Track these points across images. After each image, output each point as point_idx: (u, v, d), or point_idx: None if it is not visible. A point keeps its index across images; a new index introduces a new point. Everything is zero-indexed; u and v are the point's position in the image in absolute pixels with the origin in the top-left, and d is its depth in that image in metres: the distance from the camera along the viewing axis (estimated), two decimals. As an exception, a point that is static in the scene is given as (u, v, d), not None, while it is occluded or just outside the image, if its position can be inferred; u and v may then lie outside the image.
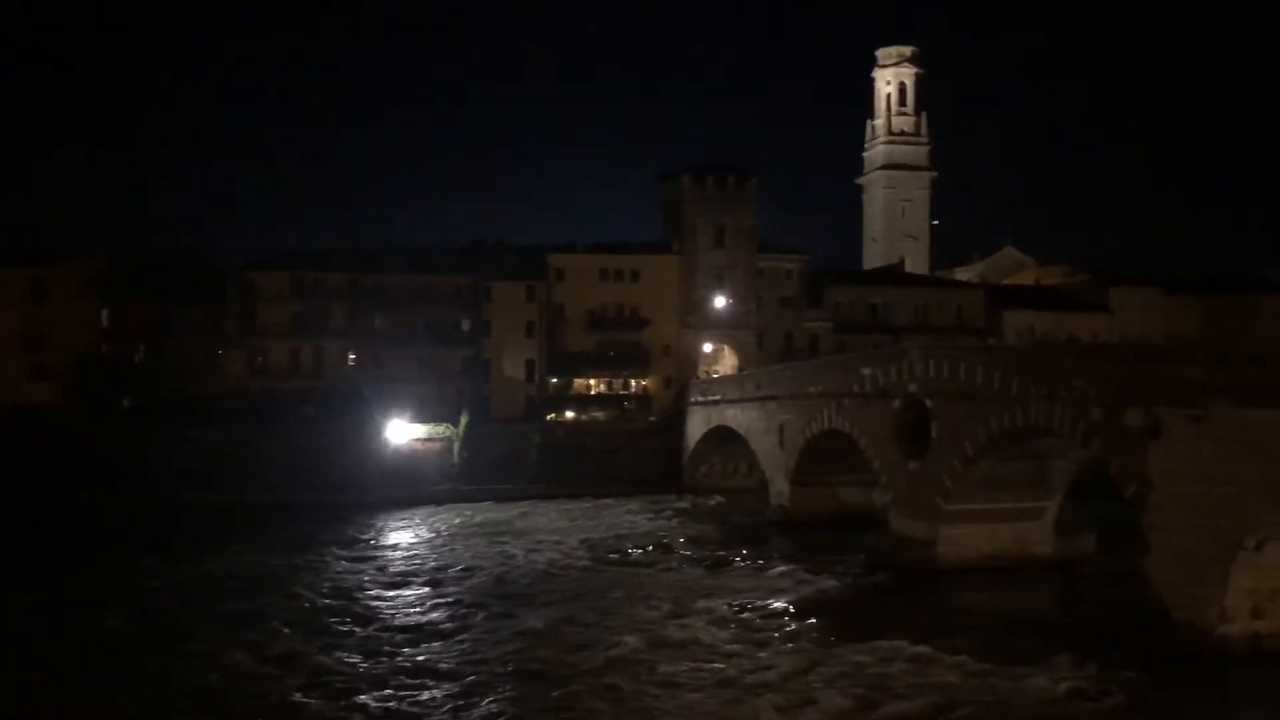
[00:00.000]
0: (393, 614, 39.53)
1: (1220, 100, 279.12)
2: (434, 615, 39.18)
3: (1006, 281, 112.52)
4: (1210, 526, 31.83)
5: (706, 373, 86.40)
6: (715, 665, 31.89)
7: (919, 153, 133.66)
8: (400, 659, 33.10)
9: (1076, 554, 47.03)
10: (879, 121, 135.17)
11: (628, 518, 64.19)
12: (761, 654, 33.21)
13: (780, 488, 62.02)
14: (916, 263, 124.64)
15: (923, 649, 32.54)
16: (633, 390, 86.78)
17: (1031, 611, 39.80)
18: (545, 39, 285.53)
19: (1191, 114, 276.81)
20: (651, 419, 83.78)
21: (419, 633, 36.53)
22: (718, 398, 74.14)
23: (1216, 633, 31.80)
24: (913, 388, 47.90)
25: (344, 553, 52.47)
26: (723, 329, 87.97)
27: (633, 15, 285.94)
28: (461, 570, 47.71)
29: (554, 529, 59.50)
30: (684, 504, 70.28)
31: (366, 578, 46.51)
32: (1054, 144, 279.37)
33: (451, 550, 53.21)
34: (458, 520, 63.14)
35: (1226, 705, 29.19)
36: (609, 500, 70.48)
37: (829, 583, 44.01)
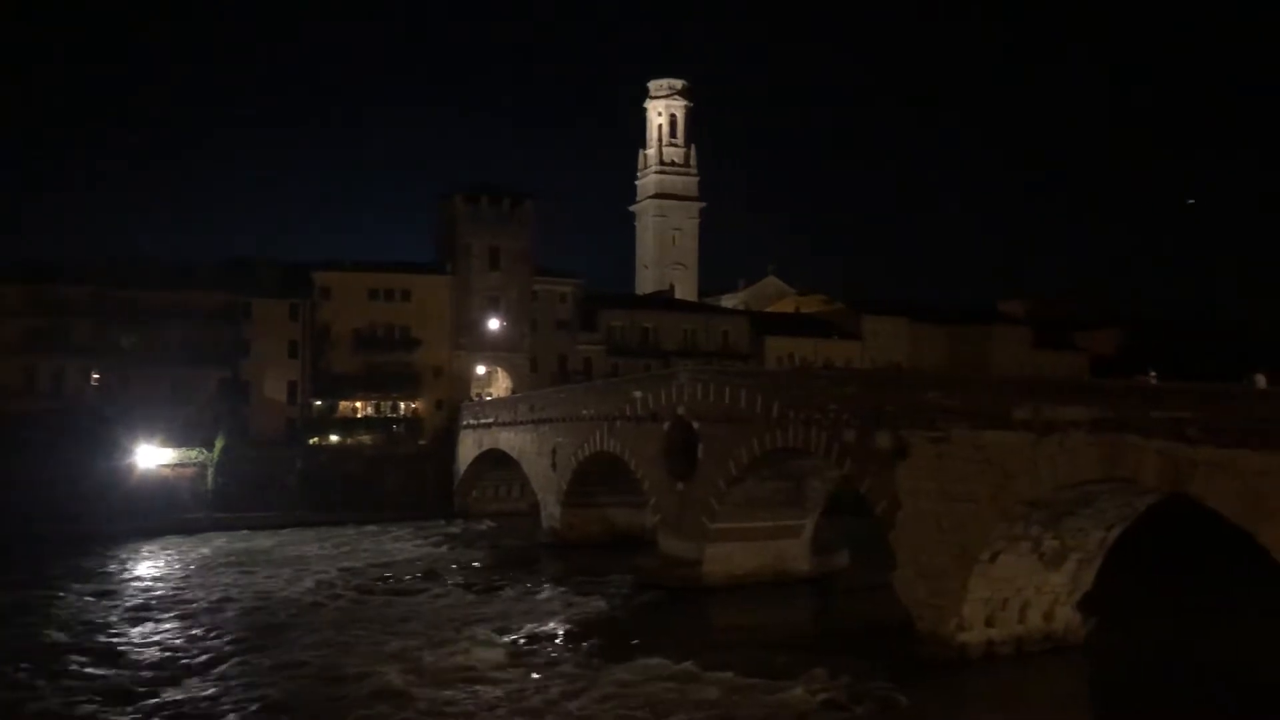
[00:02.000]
0: (138, 651, 36.86)
1: (966, 140, 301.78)
2: (184, 652, 36.78)
3: (769, 309, 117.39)
4: (950, 541, 34.05)
5: (479, 395, 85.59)
6: (482, 692, 31.40)
7: (689, 183, 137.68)
8: (146, 699, 30.87)
9: (831, 569, 49.32)
10: (651, 151, 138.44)
11: (395, 545, 62.55)
12: (530, 678, 32.98)
13: (552, 510, 62.06)
14: (686, 289, 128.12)
15: (687, 666, 33.20)
16: (402, 413, 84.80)
17: (790, 626, 41.37)
18: (325, 58, 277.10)
19: (937, 152, 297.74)
20: (421, 442, 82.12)
21: (167, 670, 34.19)
22: (490, 420, 73.56)
23: (956, 641, 34.00)
24: (681, 410, 49.04)
25: (83, 586, 48.58)
26: (496, 351, 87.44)
27: (415, 37, 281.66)
28: (214, 603, 45.09)
29: (315, 557, 57.22)
30: (454, 529, 69.19)
31: (108, 613, 43.22)
32: (815, 179, 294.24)
33: (203, 582, 50.23)
34: (210, 550, 59.72)
35: (962, 708, 31.19)
36: (375, 527, 68.51)
37: (598, 604, 44.30)
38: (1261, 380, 33.52)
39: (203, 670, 34.16)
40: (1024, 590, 34.81)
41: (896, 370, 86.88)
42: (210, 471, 71.87)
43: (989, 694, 32.18)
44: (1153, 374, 51.39)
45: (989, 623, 34.56)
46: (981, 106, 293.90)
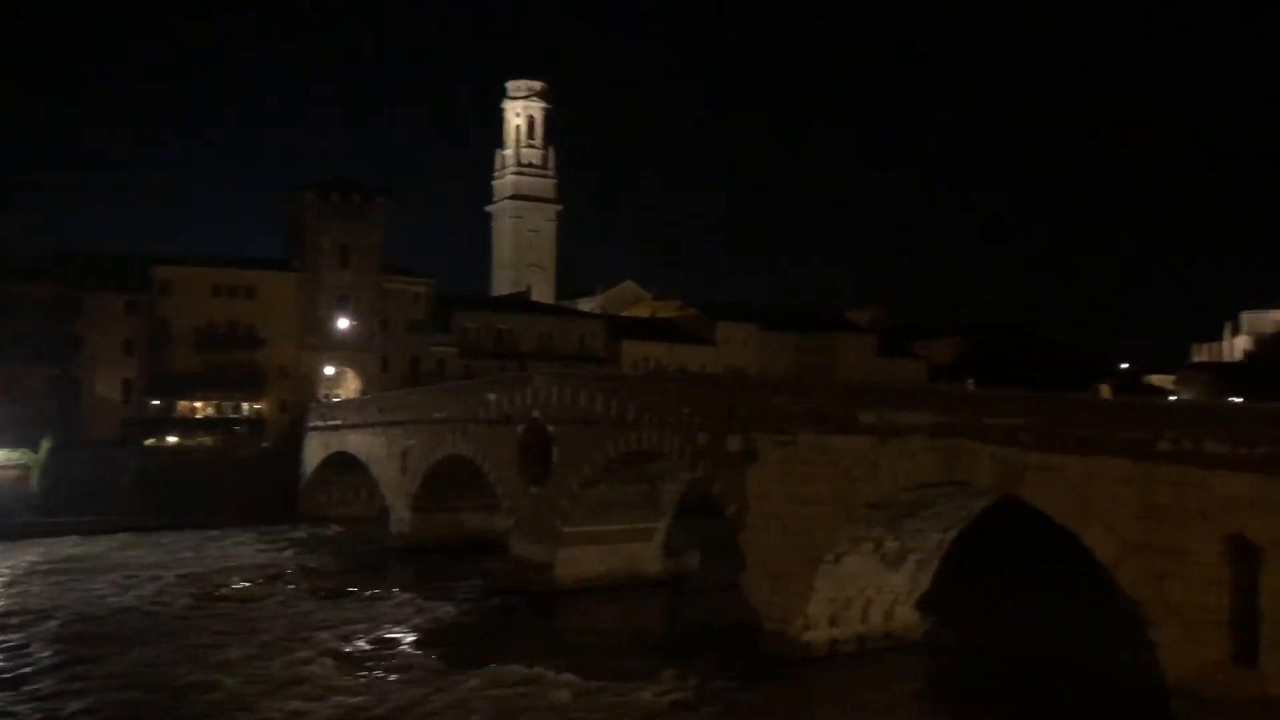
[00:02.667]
0: (-52, 666, 34.54)
1: (823, 147, 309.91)
2: (2, 664, 34.65)
3: (625, 313, 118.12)
4: (797, 543, 34.86)
5: (327, 396, 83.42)
6: (325, 700, 30.54)
7: (547, 185, 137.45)
8: (-45, 717, 28.95)
9: (683, 571, 49.87)
10: (508, 152, 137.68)
11: (236, 550, 60.32)
12: (376, 685, 32.29)
13: (402, 515, 60.94)
14: (543, 292, 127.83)
15: (538, 670, 33.05)
16: (245, 414, 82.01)
17: (640, 628, 41.65)
18: (181, 51, 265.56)
19: (791, 161, 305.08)
20: (265, 445, 79.54)
21: (-19, 685, 32.14)
22: (338, 422, 71.74)
23: (801, 640, 34.82)
24: (536, 413, 48.84)
25: (-113, 598, 45.28)
26: (346, 351, 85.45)
27: (267, 30, 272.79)
28: (38, 612, 42.55)
29: (150, 564, 54.65)
30: (300, 534, 67.13)
31: (-84, 626, 40.36)
32: (673, 185, 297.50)
33: (27, 590, 47.42)
34: (35, 556, 56.35)
35: (805, 705, 31.94)
36: (216, 532, 65.87)
37: (448, 609, 43.70)
38: (1106, 390, 35.46)
39: (24, 685, 32.22)
40: (866, 590, 35.90)
41: (747, 375, 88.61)
42: (35, 474, 67.92)
43: (830, 691, 33.06)
44: (970, 381, 53.75)
45: (833, 622, 35.51)
46: (839, 114, 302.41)
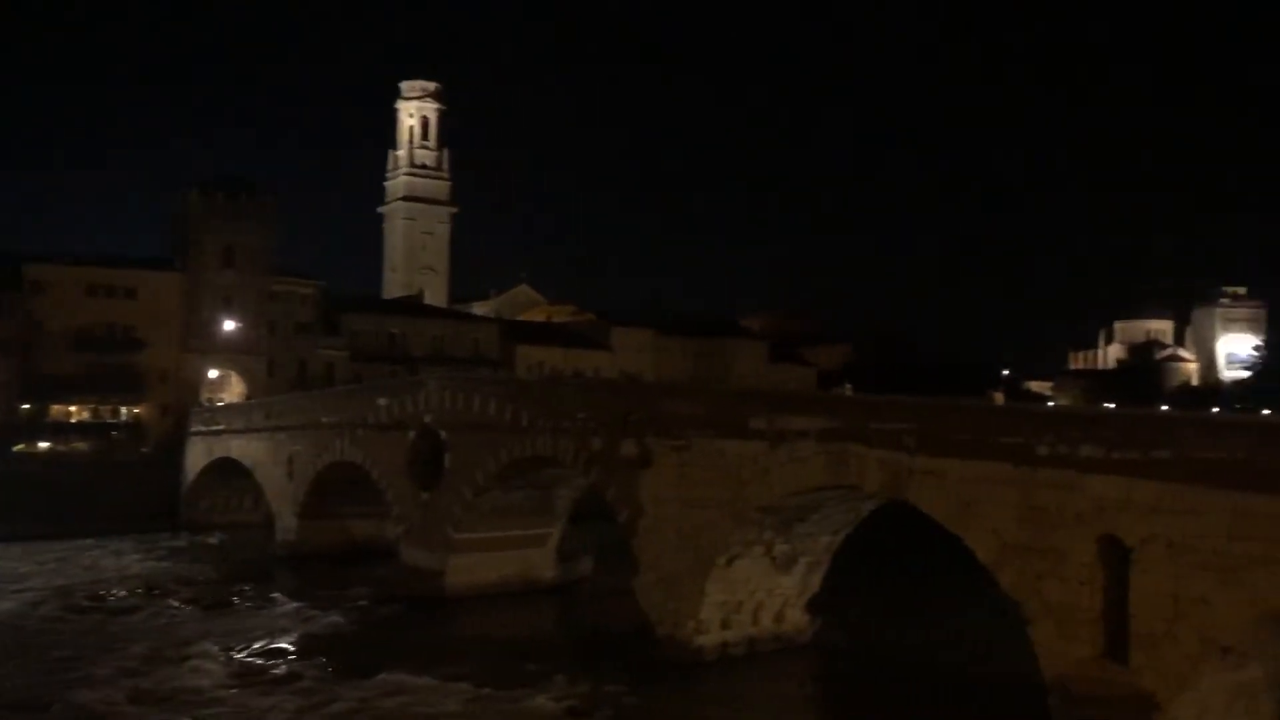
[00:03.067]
0: None
1: (717, 159, 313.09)
2: None
3: (520, 317, 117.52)
4: (690, 547, 35.08)
5: (210, 400, 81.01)
6: (207, 714, 29.65)
7: (440, 187, 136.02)
8: None
9: (576, 577, 49.74)
10: (401, 153, 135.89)
11: (113, 560, 58.03)
12: (260, 697, 31.44)
13: (288, 522, 59.47)
14: (436, 295, 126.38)
15: (427, 679, 32.60)
16: (124, 418, 79.12)
17: (532, 635, 41.38)
18: (57, 46, 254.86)
19: (690, 168, 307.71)
20: (145, 450, 76.79)
21: None
22: (222, 427, 69.69)
23: (693, 644, 35.03)
24: (428, 419, 48.18)
25: None
26: (231, 354, 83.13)
27: (154, 27, 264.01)
28: (-106, 628, 40.39)
29: (18, 575, 52.17)
30: (180, 543, 64.92)
31: None
32: (570, 191, 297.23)
33: (-119, 605, 44.92)
34: (-108, 569, 53.44)
35: (695, 707, 32.07)
36: (91, 541, 63.19)
37: (335, 618, 42.77)
38: (999, 398, 36.51)
39: (-123, 704, 30.52)
40: (757, 593, 36.31)
41: (642, 380, 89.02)
42: (-108, 481, 64.41)
43: (721, 694, 33.29)
44: (848, 386, 55.01)
45: (724, 625, 35.82)
46: (733, 120, 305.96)
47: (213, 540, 65.95)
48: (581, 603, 47.04)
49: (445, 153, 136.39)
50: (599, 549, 49.80)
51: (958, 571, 34.18)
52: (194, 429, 73.43)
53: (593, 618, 44.10)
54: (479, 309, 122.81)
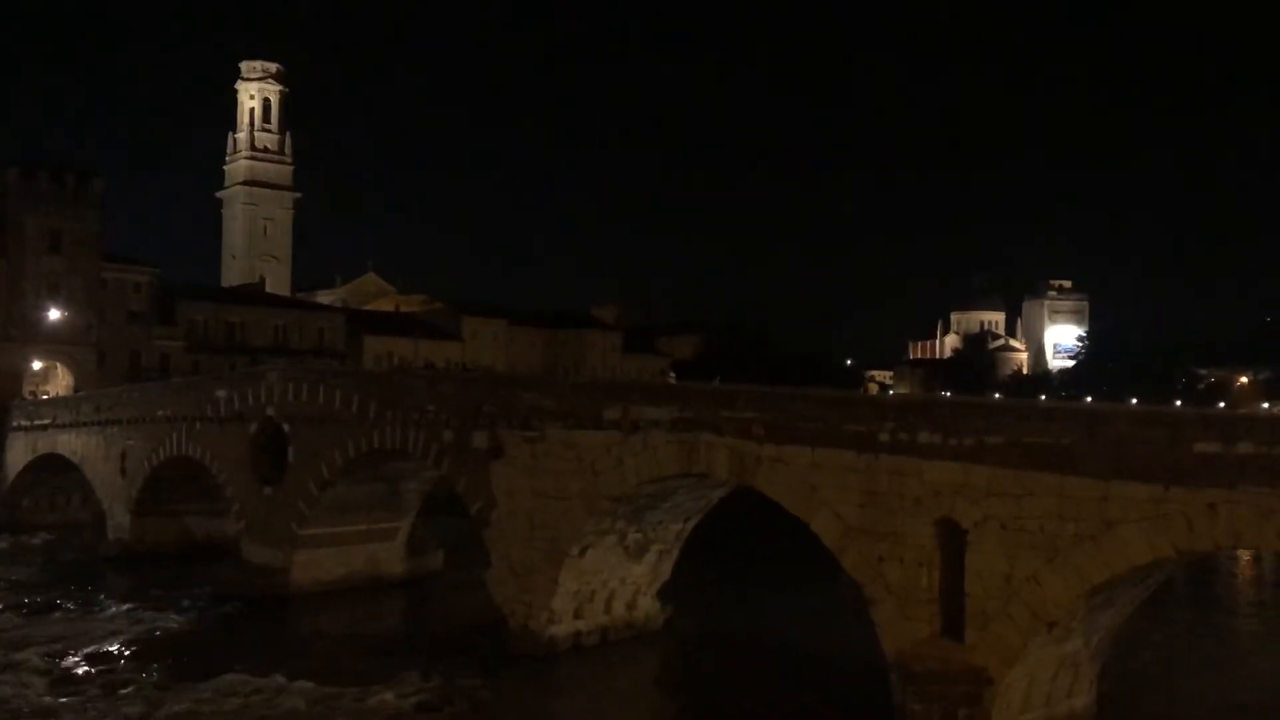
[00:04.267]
0: None
1: (568, 147, 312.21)
2: None
3: (368, 307, 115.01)
4: (543, 538, 34.99)
5: (34, 393, 76.55)
6: (31, 725, 28.04)
7: (282, 171, 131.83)
8: None
9: (426, 571, 48.99)
10: (241, 135, 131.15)
11: (-77, 563, 54.29)
12: (90, 705, 29.85)
13: (120, 520, 56.71)
14: (278, 283, 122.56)
15: (271, 679, 31.55)
16: (-64, 413, 73.96)
17: (381, 631, 40.61)
18: None
19: (542, 159, 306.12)
20: (-40, 446, 72.00)
21: None
22: (48, 421, 65.91)
23: (546, 634, 34.98)
24: (271, 411, 46.68)
25: None
26: (56, 344, 78.69)
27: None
28: None
29: None
30: (1, 545, 61.16)
31: None
32: (417, 178, 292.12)
33: None
34: None
35: (548, 697, 32.19)
36: (-101, 544, 59.10)
37: (171, 619, 41.00)
38: (874, 387, 37.52)
39: None
40: (610, 582, 36.49)
41: (494, 371, 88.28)
42: None
43: (574, 683, 33.46)
44: (717, 379, 55.95)
45: (577, 615, 35.88)
46: (584, 112, 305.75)
47: (37, 541, 62.34)
48: (432, 597, 46.38)
49: (288, 136, 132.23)
50: (450, 542, 49.19)
51: (803, 557, 35.13)
52: (15, 424, 69.24)
53: (444, 612, 43.56)
54: (324, 298, 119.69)
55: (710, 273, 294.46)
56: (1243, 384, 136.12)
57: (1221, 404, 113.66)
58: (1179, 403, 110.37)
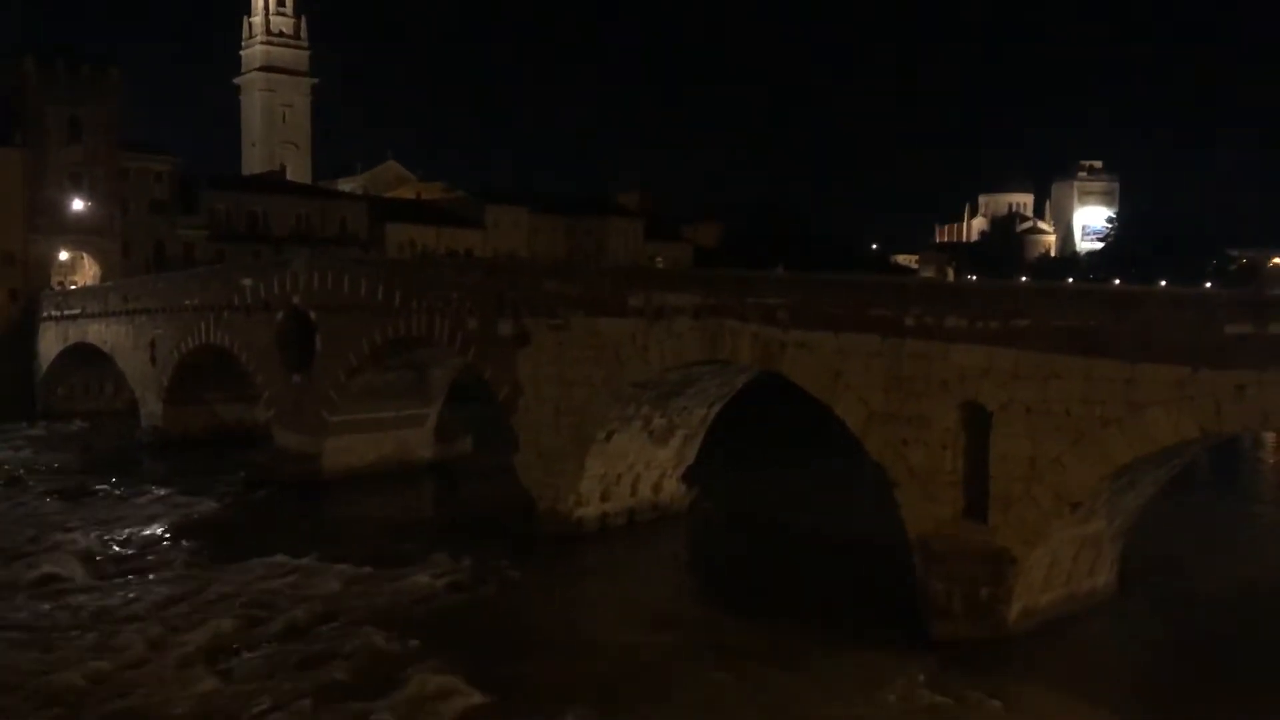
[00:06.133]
0: None
1: (588, 37, 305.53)
2: None
3: (389, 195, 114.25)
4: (569, 423, 35.36)
5: (62, 284, 77.05)
6: (77, 602, 28.99)
7: (299, 57, 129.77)
8: None
9: (455, 456, 49.76)
10: (256, 19, 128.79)
11: (-36, 451, 55.55)
12: (133, 585, 30.85)
13: (153, 408, 57.65)
14: (298, 171, 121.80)
15: (306, 561, 32.46)
16: (-33, 304, 74.67)
17: (412, 514, 41.48)
18: None
19: (559, 47, 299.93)
20: (-7, 336, 72.89)
21: None
22: (77, 311, 66.54)
23: (574, 516, 35.66)
24: (296, 300, 46.89)
25: None
26: (81, 235, 78.67)
27: None
28: None
29: None
30: (38, 431, 62.41)
31: None
32: (436, 63, 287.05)
33: None
34: None
35: (578, 578, 32.90)
36: (-62, 432, 60.40)
37: (208, 504, 41.99)
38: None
39: None
40: (635, 466, 37.00)
41: (518, 259, 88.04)
42: None
43: (602, 563, 34.22)
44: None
45: (604, 498, 36.50)
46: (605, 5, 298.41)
47: (73, 428, 63.67)
48: (461, 482, 47.17)
49: (303, 20, 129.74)
50: (478, 428, 49.79)
51: (827, 441, 35.37)
52: (46, 314, 70.00)
53: (473, 496, 44.34)
54: (345, 186, 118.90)
55: (733, 162, 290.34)
56: (1275, 264, 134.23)
57: (1253, 285, 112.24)
58: (1209, 285, 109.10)
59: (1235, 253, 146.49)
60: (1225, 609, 28.99)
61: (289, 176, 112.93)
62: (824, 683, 23.81)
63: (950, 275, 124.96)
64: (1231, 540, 36.74)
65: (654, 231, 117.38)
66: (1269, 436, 55.27)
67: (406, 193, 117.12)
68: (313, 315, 45.97)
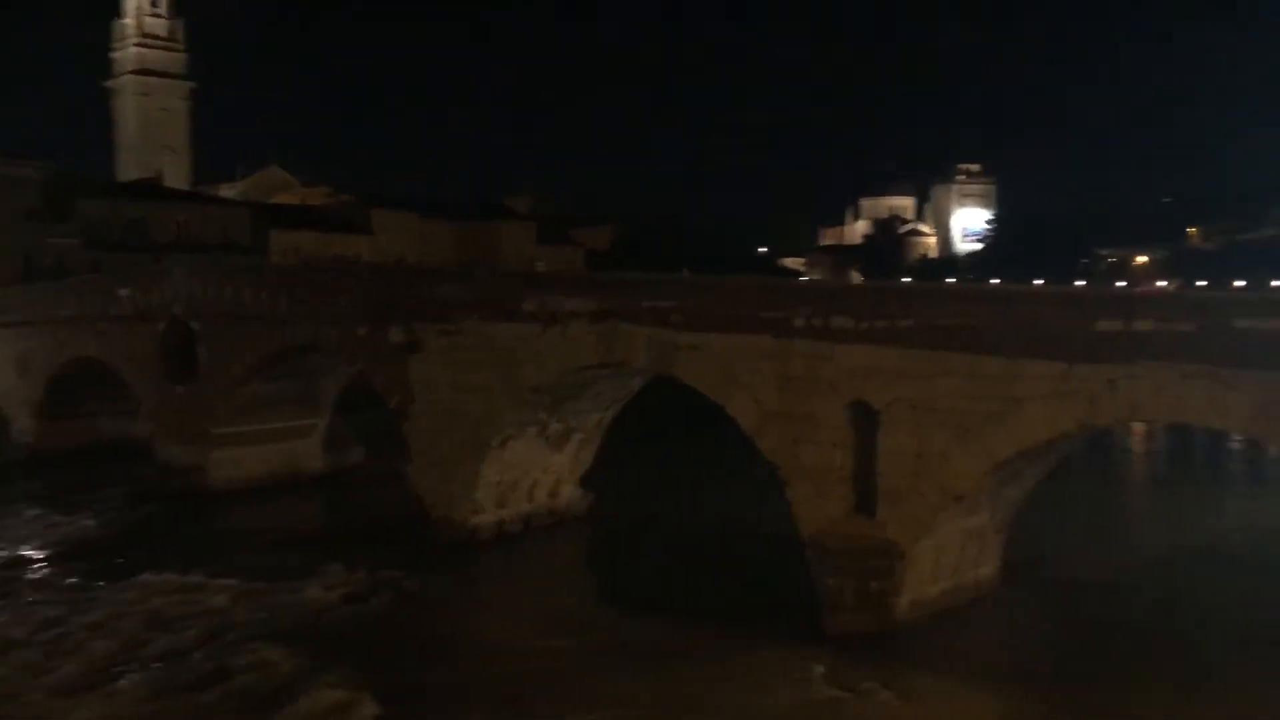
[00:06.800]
0: None
1: (475, 42, 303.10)
2: None
3: (272, 201, 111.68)
4: (464, 430, 35.10)
5: (-77, 296, 73.34)
6: (-53, 631, 27.63)
7: (176, 59, 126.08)
8: None
9: (346, 466, 48.82)
10: (129, 21, 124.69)
11: None
12: (5, 610, 29.50)
13: (25, 424, 55.26)
14: (177, 177, 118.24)
15: (194, 577, 31.56)
16: None
17: (303, 526, 40.59)
18: None
19: (447, 52, 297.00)
20: None
21: None
22: (-61, 325, 63.36)
23: (469, 524, 35.41)
24: (178, 309, 45.56)
25: None
26: (-57, 244, 75.19)
27: None
28: None
29: None
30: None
31: None
32: (320, 68, 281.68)
33: None
34: None
35: (473, 584, 32.66)
36: None
37: (87, 522, 40.38)
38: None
39: None
40: (531, 471, 36.91)
41: (408, 265, 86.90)
42: None
43: (498, 570, 34.07)
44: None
45: (500, 504, 36.33)
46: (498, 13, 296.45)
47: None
48: (353, 492, 46.27)
49: (180, 23, 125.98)
50: (370, 437, 48.97)
51: (723, 441, 35.81)
52: (-95, 328, 66.47)
53: (366, 506, 43.54)
54: (226, 192, 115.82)
55: (625, 166, 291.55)
56: (1141, 263, 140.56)
57: (1121, 283, 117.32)
58: (1082, 283, 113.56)
59: (1105, 252, 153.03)
60: (1102, 595, 30.25)
61: (167, 183, 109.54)
62: (723, 679, 24.13)
63: (856, 277, 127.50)
64: (1106, 528, 38.36)
65: (546, 235, 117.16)
66: (1137, 427, 57.85)
67: (291, 198, 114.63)
68: (195, 325, 44.74)
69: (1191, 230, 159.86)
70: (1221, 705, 22.89)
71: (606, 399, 36.99)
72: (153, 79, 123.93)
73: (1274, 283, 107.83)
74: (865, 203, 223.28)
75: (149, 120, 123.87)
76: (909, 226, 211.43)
